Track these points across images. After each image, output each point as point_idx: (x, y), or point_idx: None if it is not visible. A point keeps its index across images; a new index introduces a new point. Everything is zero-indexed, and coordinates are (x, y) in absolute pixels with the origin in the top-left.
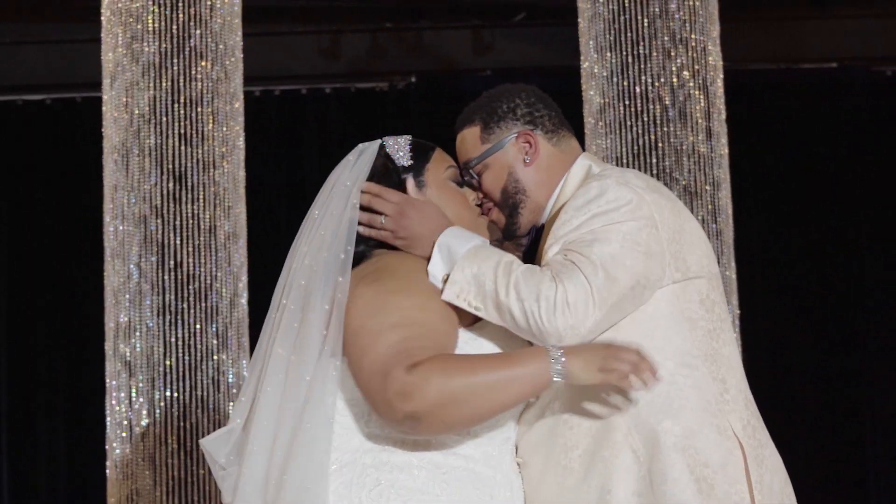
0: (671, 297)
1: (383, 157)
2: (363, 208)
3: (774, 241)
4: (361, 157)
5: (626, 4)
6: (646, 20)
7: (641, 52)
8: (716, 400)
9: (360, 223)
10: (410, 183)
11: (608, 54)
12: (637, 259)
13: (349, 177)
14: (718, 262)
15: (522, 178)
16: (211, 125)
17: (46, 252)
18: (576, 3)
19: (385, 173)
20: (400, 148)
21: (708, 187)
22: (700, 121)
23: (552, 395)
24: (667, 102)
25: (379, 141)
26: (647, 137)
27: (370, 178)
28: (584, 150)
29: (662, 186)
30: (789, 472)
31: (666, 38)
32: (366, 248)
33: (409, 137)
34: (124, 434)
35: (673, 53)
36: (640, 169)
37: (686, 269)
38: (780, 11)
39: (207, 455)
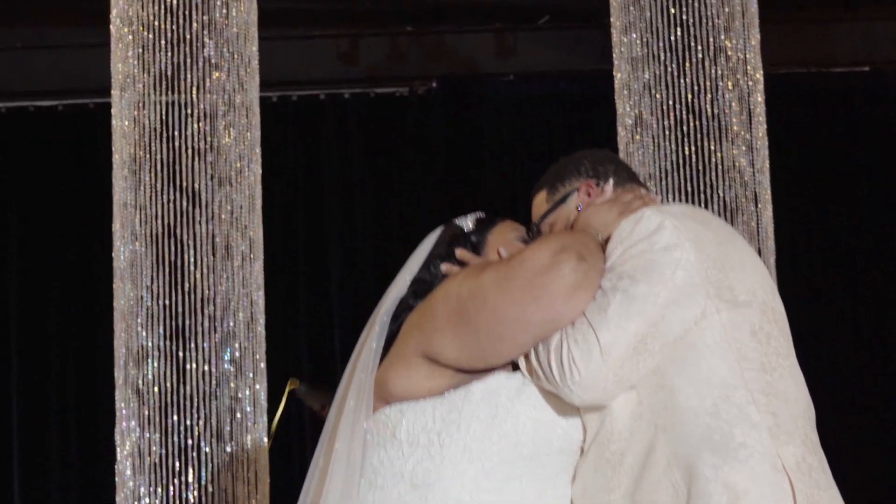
0: (717, 326)
1: (451, 228)
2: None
3: (807, 248)
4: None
5: (661, 13)
6: (679, 29)
7: (677, 62)
8: (765, 434)
9: None
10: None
11: (641, 66)
12: (657, 301)
13: (414, 257)
14: None
15: (579, 224)
16: (226, 139)
17: (58, 265)
18: (607, 7)
19: (449, 241)
20: (467, 219)
21: (747, 202)
22: (740, 133)
23: (597, 439)
24: (706, 114)
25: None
26: (683, 152)
27: (435, 248)
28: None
29: (708, 216)
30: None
31: (700, 48)
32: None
33: (479, 213)
34: (135, 464)
35: (708, 64)
36: (676, 184)
37: (733, 298)
38: (809, 14)
39: None
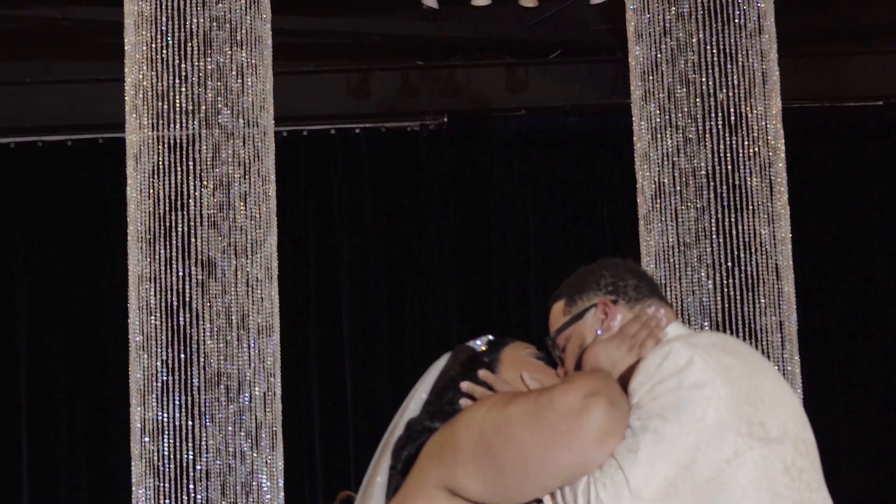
0: (750, 465)
1: (462, 349)
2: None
3: (826, 286)
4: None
5: (680, 82)
6: (697, 99)
7: (697, 131)
8: None
9: None
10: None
11: (656, 140)
12: (687, 442)
13: (425, 378)
14: (780, 354)
15: (587, 362)
16: (242, 210)
17: (67, 313)
18: (618, 41)
19: (463, 361)
20: (477, 340)
21: (769, 275)
22: (761, 204)
23: None
24: (727, 184)
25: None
26: (703, 223)
27: (447, 369)
28: (639, 239)
29: (738, 345)
30: None
31: (721, 116)
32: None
33: (489, 336)
34: None
35: (729, 133)
36: (697, 255)
37: (765, 434)
38: (823, 47)
39: None
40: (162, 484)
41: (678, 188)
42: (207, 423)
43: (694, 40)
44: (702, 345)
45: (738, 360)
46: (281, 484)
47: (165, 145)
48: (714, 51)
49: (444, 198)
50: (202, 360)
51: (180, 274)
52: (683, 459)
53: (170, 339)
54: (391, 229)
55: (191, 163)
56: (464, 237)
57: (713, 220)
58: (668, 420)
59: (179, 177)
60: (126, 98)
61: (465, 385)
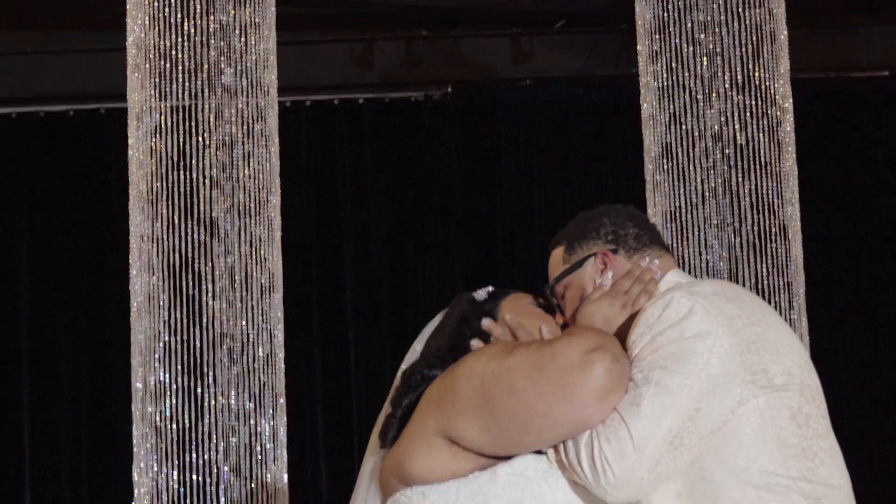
0: (755, 412)
1: (463, 297)
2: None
3: (835, 261)
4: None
5: (687, 42)
6: (705, 59)
7: (704, 92)
8: None
9: None
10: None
11: (667, 96)
12: (691, 394)
13: (426, 331)
14: (787, 315)
15: (581, 319)
16: (244, 169)
17: (70, 279)
18: (623, 11)
19: (464, 308)
20: (479, 291)
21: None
22: (769, 163)
23: None
24: (734, 144)
25: None
26: (710, 183)
27: (447, 317)
28: (645, 198)
29: (740, 292)
30: None
31: (728, 77)
32: None
33: (490, 287)
34: (153, 501)
35: (735, 93)
36: (702, 216)
37: (769, 381)
38: (829, 19)
39: None
40: (164, 445)
41: (685, 148)
42: (210, 385)
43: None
44: (703, 294)
45: (741, 308)
46: (284, 446)
47: (168, 105)
48: (721, 10)
49: (448, 168)
50: (205, 321)
51: (183, 235)
52: (688, 411)
53: (172, 300)
54: (395, 200)
55: (193, 123)
56: (468, 207)
57: (720, 181)
58: (670, 371)
59: (182, 137)
60: (127, 57)
61: (486, 323)
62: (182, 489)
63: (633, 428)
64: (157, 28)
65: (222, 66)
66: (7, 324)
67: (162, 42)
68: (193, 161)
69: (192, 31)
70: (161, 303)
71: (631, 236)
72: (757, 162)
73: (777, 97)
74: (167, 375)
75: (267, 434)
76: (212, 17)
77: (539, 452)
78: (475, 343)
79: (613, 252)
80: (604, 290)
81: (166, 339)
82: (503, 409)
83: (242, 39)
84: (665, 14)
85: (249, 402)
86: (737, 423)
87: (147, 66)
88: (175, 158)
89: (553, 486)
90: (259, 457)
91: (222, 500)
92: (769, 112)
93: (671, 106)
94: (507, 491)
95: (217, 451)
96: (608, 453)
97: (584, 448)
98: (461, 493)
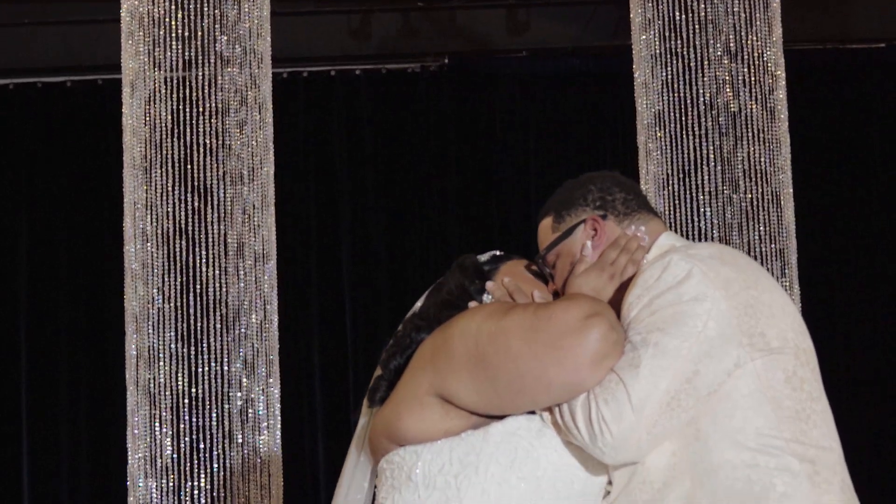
0: (751, 375)
1: (465, 258)
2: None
3: (827, 239)
4: None
5: (679, 9)
6: (697, 25)
7: (696, 59)
8: (805, 483)
9: None
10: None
11: (660, 63)
12: (689, 356)
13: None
14: (780, 282)
15: (571, 290)
16: (238, 137)
17: (67, 248)
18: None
19: (465, 267)
20: (485, 255)
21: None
22: (761, 131)
23: (627, 489)
24: (726, 112)
25: None
26: (703, 150)
27: (441, 281)
28: (639, 167)
29: (736, 255)
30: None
31: (720, 44)
32: None
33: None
34: (147, 468)
35: (728, 60)
36: (695, 183)
37: (765, 344)
38: None
39: None
40: (157, 411)
41: (678, 115)
42: (204, 351)
43: None
44: (700, 257)
45: (737, 272)
46: (278, 412)
47: (162, 72)
48: None
49: (445, 139)
50: (198, 287)
51: (177, 201)
52: (685, 373)
53: (166, 266)
54: (391, 170)
55: (187, 90)
56: (465, 178)
57: (713, 148)
58: (668, 333)
59: (176, 104)
60: (122, 24)
61: (489, 285)
62: (175, 455)
63: (632, 389)
64: None
65: (216, 33)
66: (5, 288)
67: (156, 9)
68: (187, 128)
69: None
70: (155, 269)
71: (619, 201)
72: (750, 129)
73: (770, 65)
74: (160, 342)
75: (261, 400)
76: None
77: (532, 413)
78: (472, 304)
79: (602, 218)
80: (588, 262)
81: (160, 305)
82: (497, 369)
83: (236, 7)
84: None
85: (243, 368)
86: (733, 386)
87: (141, 32)
88: (169, 125)
89: (546, 444)
90: (252, 423)
91: (216, 465)
92: (762, 80)
93: (664, 73)
94: (500, 449)
95: (211, 418)
96: (606, 414)
97: (580, 409)
98: (454, 452)
